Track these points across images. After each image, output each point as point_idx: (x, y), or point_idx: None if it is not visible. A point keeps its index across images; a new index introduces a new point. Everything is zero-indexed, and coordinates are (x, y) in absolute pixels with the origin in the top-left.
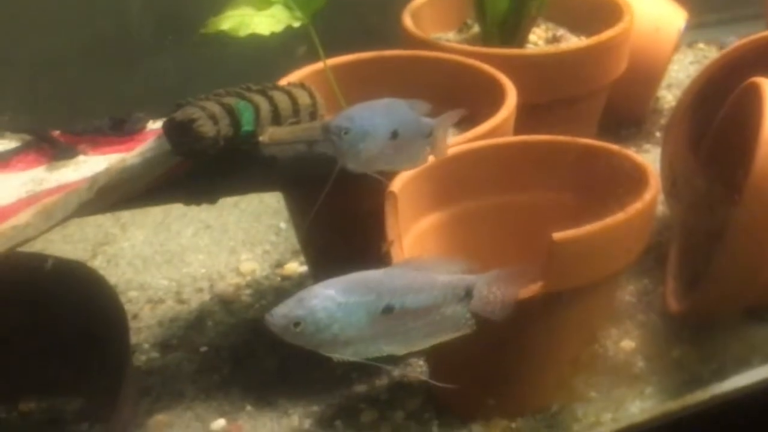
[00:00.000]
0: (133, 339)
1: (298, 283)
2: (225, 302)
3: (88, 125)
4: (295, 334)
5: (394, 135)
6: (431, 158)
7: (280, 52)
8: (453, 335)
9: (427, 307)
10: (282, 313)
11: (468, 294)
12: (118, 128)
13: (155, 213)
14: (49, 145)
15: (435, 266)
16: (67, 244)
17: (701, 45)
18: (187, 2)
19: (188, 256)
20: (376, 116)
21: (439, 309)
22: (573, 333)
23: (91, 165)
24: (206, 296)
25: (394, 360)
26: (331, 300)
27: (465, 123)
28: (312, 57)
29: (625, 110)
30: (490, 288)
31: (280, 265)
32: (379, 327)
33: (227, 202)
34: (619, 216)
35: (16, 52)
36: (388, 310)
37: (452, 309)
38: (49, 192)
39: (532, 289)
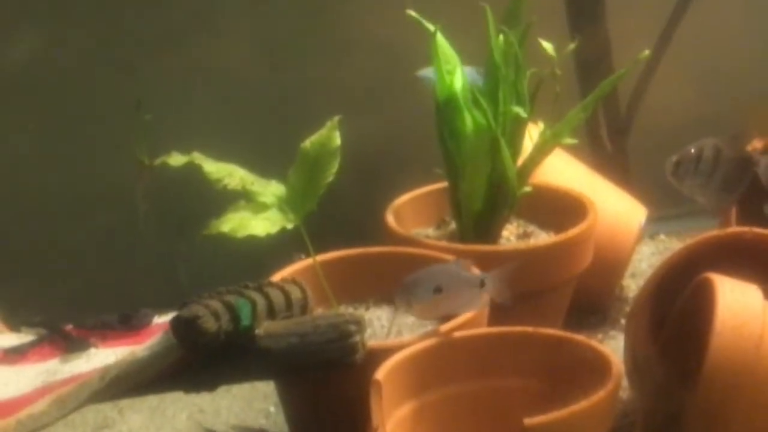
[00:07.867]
0: None
1: None
2: None
3: (99, 320)
4: None
5: (438, 290)
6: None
7: (274, 250)
8: None
9: None
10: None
11: None
12: (127, 323)
13: (151, 398)
14: (62, 338)
15: None
16: (68, 427)
17: (662, 237)
18: (192, 201)
19: None
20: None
21: None
22: None
23: (102, 357)
24: None
25: None
26: None
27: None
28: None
29: (591, 299)
30: None
31: None
32: None
33: (221, 388)
34: (583, 403)
35: (28, 247)
36: None
37: None
38: (63, 382)
39: None
